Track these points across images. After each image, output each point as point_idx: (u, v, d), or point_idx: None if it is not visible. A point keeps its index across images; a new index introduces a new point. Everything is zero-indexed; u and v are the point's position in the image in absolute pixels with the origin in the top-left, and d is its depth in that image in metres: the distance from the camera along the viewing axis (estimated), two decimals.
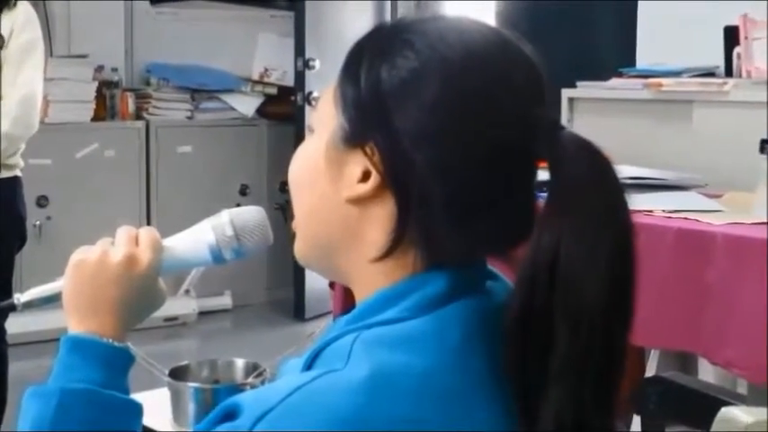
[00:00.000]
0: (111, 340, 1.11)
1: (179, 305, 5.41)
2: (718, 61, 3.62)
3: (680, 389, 2.43)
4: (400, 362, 0.87)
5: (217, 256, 1.17)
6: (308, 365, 0.92)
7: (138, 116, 5.66)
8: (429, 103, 0.92)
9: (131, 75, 5.90)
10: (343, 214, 0.97)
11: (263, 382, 1.97)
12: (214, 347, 5.14)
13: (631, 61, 4.11)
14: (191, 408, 2.00)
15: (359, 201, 0.96)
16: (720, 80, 3.45)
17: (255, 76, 6.06)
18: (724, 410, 1.90)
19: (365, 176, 0.95)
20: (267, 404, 0.85)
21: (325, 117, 1.00)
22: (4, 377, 3.35)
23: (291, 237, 1.05)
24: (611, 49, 4.64)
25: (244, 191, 5.88)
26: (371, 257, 0.95)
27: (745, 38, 3.48)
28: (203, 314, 5.64)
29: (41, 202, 5.22)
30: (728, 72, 3.56)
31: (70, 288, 1.13)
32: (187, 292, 5.48)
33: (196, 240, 1.17)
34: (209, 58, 5.88)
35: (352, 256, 0.98)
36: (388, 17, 6.00)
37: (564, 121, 3.77)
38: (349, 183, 0.96)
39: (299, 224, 1.04)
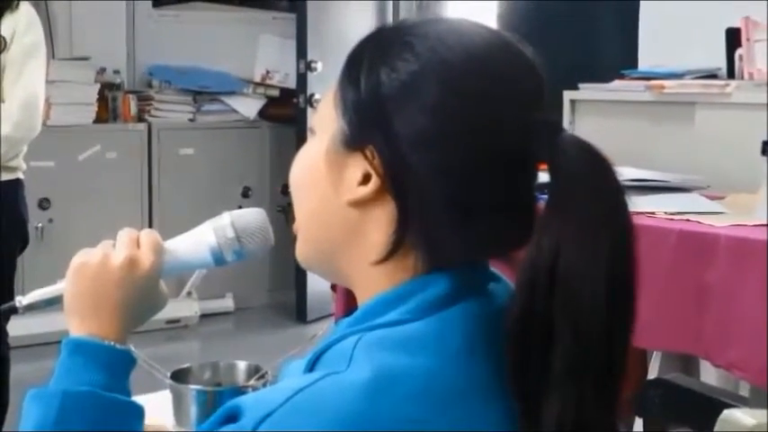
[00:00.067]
0: (112, 343, 1.11)
1: (181, 307, 5.42)
2: (721, 63, 3.62)
3: (682, 391, 2.42)
4: (402, 364, 0.87)
5: (218, 258, 1.17)
6: (311, 368, 0.92)
7: (140, 118, 5.67)
8: (429, 106, 0.92)
9: (133, 77, 5.90)
10: (343, 217, 0.97)
11: (264, 385, 1.96)
12: (216, 350, 5.15)
13: (633, 63, 4.11)
14: (192, 410, 2.00)
15: (359, 204, 0.96)
16: (722, 82, 3.45)
17: (257, 79, 6.06)
18: (726, 412, 1.90)
19: (365, 179, 0.95)
20: (270, 406, 0.85)
21: (325, 120, 1.00)
22: (5, 379, 3.35)
23: (293, 239, 1.05)
24: (613, 51, 4.63)
25: (246, 193, 5.89)
26: (372, 260, 0.96)
27: (747, 40, 3.48)
28: (205, 316, 5.64)
29: (43, 204, 5.22)
30: (730, 74, 3.56)
31: (72, 290, 1.13)
32: (189, 294, 5.48)
33: (197, 242, 1.17)
34: (211, 60, 5.89)
35: (354, 259, 0.98)
36: (390, 18, 6.00)
37: (566, 123, 3.78)
38: (349, 186, 0.96)
39: (300, 227, 1.04)
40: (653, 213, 2.61)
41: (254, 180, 5.93)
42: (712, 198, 2.87)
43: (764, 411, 1.85)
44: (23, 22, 3.25)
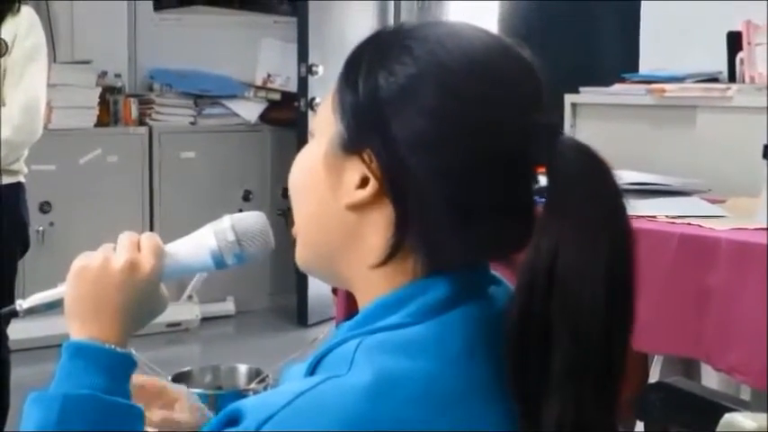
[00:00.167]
0: (113, 346, 1.11)
1: (182, 311, 5.41)
2: (722, 67, 3.62)
3: (683, 394, 2.42)
4: (403, 367, 0.87)
5: (218, 261, 1.17)
6: (311, 371, 0.92)
7: (141, 122, 5.67)
8: (427, 109, 0.92)
9: (134, 80, 5.90)
10: (342, 220, 0.98)
11: (265, 388, 1.97)
12: (217, 353, 5.14)
13: (634, 67, 4.11)
14: None
15: (358, 207, 0.96)
16: (723, 86, 3.45)
17: (259, 82, 6.06)
18: (727, 416, 1.90)
19: (363, 183, 0.95)
20: (271, 409, 0.85)
21: (324, 123, 1.00)
22: (5, 383, 3.35)
23: (293, 242, 1.05)
24: (614, 54, 4.63)
25: (247, 196, 5.89)
26: (372, 263, 0.96)
27: (749, 43, 3.48)
28: (206, 320, 5.64)
29: (44, 207, 5.22)
30: (732, 77, 3.56)
31: (72, 294, 1.13)
32: (190, 297, 5.48)
33: (198, 245, 1.17)
34: (213, 63, 5.89)
35: (353, 263, 0.98)
36: (391, 22, 6.00)
37: (567, 126, 3.78)
38: (347, 189, 0.96)
39: (299, 230, 1.04)
40: (654, 217, 2.61)
41: (255, 183, 5.93)
42: (713, 202, 2.87)
43: (765, 415, 1.85)
44: (25, 26, 3.25)
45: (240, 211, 1.19)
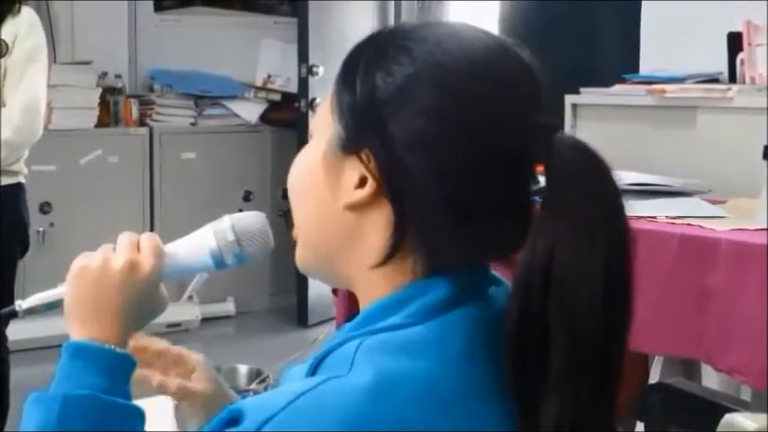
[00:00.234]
0: (113, 346, 1.11)
1: (182, 311, 5.41)
2: (722, 67, 3.62)
3: (683, 395, 2.42)
4: (403, 367, 0.87)
5: (218, 261, 1.17)
6: (312, 372, 0.92)
7: (141, 122, 5.67)
8: (424, 110, 0.92)
9: (135, 81, 5.91)
10: (341, 221, 0.98)
11: (266, 389, 1.97)
12: (217, 354, 5.10)
13: (635, 67, 4.11)
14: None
15: (357, 207, 0.96)
16: (724, 86, 3.45)
17: (259, 83, 6.07)
18: (728, 417, 1.90)
19: (362, 183, 0.95)
20: (272, 409, 0.85)
21: (322, 124, 1.00)
22: (5, 383, 3.35)
23: (294, 243, 1.05)
24: (614, 55, 4.63)
25: (247, 197, 5.89)
26: (371, 264, 0.96)
27: (749, 44, 3.48)
28: (206, 320, 5.64)
29: (45, 208, 5.22)
30: (732, 78, 3.56)
31: (72, 294, 1.13)
32: (190, 298, 5.48)
33: (197, 246, 1.17)
34: (213, 64, 5.89)
35: (353, 263, 0.98)
36: (391, 23, 6.00)
37: (567, 127, 3.77)
38: (346, 189, 0.96)
39: (299, 231, 1.04)
40: (654, 218, 2.61)
41: (256, 184, 5.93)
42: (713, 202, 2.87)
43: (766, 415, 1.85)
44: (25, 26, 3.25)
45: (240, 211, 1.19)
